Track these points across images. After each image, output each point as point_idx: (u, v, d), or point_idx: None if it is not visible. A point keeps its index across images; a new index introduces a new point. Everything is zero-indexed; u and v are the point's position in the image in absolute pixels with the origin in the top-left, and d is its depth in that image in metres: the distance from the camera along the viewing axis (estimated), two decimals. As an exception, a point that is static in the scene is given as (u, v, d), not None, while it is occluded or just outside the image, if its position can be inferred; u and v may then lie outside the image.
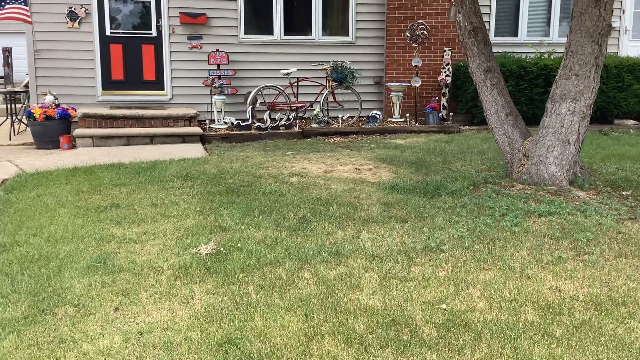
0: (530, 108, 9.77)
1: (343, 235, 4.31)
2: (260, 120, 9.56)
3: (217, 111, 9.65)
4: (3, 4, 8.61)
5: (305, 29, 10.60)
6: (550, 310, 3.17)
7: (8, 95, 9.87)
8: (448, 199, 5.25)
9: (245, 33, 10.24)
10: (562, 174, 5.44)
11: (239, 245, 4.05)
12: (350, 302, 3.25)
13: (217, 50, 9.82)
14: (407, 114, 10.23)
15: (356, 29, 10.71)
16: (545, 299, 3.30)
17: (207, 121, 9.62)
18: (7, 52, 19.50)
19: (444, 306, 3.21)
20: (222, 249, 3.98)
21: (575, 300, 3.29)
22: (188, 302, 3.25)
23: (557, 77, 5.47)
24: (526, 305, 3.22)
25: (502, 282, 3.51)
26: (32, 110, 8.32)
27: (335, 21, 10.83)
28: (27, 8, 8.76)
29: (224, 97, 9.62)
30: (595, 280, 3.53)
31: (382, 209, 4.94)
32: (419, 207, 4.99)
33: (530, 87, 9.78)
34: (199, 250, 3.96)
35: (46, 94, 8.73)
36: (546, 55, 10.32)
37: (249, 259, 3.81)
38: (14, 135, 9.46)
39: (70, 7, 9.36)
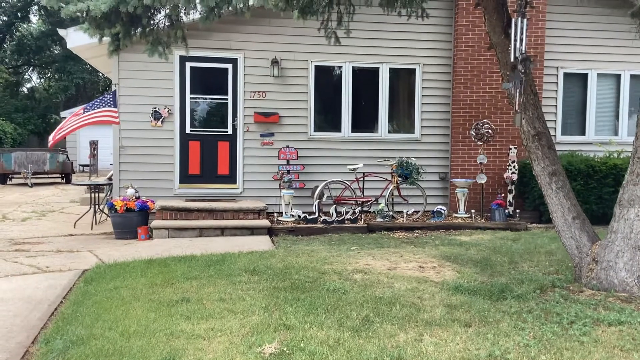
0: (600, 207, 9.59)
1: (405, 338, 4.31)
2: (327, 214, 9.78)
3: (285, 204, 9.97)
4: (90, 107, 9.45)
5: (372, 127, 10.99)
6: None
7: (93, 187, 10.58)
8: (514, 302, 5.17)
9: (315, 130, 10.72)
10: (632, 281, 5.28)
11: (301, 345, 4.12)
12: (411, 412, 3.23)
13: (287, 146, 10.30)
14: (472, 210, 10.23)
15: (422, 126, 11.02)
16: (615, 418, 3.18)
17: (275, 214, 9.95)
18: (94, 144, 21.01)
19: (506, 421, 3.14)
20: (285, 349, 4.06)
21: (647, 421, 3.15)
22: (251, 404, 3.33)
23: (624, 182, 5.44)
24: None
25: (568, 397, 3.41)
26: (114, 203, 8.89)
27: (401, 119, 11.19)
28: (116, 109, 9.58)
29: (292, 191, 9.97)
30: (670, 400, 3.38)
31: (446, 311, 4.92)
32: (484, 310, 4.94)
33: (599, 186, 9.64)
34: (263, 349, 4.06)
35: (128, 187, 9.34)
36: (615, 155, 10.20)
37: (311, 360, 3.87)
38: (96, 224, 10.07)
39: (155, 108, 10.16)
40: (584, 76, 11.46)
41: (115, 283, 5.85)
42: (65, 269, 6.69)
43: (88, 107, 9.61)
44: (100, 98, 9.83)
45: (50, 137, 9.63)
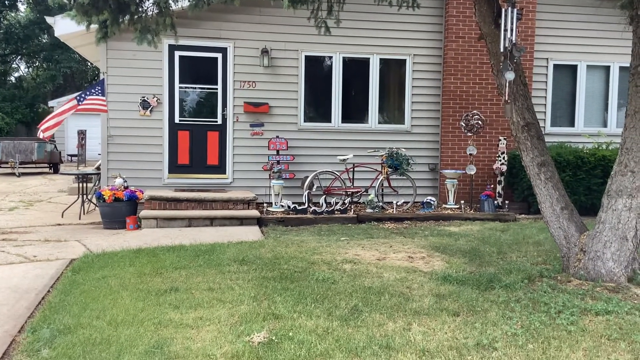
0: (588, 198, 9.66)
1: (394, 327, 4.33)
2: (316, 204, 9.77)
3: (275, 194, 9.95)
4: (84, 95, 9.36)
5: (362, 117, 10.97)
6: (606, 418, 3.07)
7: (81, 176, 10.50)
8: (502, 292, 5.20)
9: (305, 121, 10.69)
10: (620, 271, 5.32)
11: (290, 334, 4.12)
12: (399, 400, 3.24)
13: (277, 136, 10.26)
14: (462, 201, 10.26)
15: (412, 117, 11.01)
16: (601, 406, 3.20)
17: (264, 204, 9.93)
18: (82, 134, 20.87)
19: (494, 409, 3.16)
20: (274, 338, 4.05)
21: (633, 409, 3.18)
22: (239, 392, 3.32)
23: (612, 173, 5.47)
24: (580, 412, 3.14)
25: (555, 385, 3.43)
26: (102, 192, 8.82)
27: (392, 110, 11.18)
28: (104, 98, 9.49)
29: (282, 181, 9.94)
30: (655, 388, 3.41)
31: (434, 301, 4.94)
32: (472, 300, 4.96)
33: (588, 178, 9.70)
34: (251, 338, 4.05)
35: (116, 177, 9.28)
36: (604, 146, 10.26)
37: (299, 349, 3.87)
38: (84, 214, 10.00)
39: (144, 97, 10.08)
40: (574, 68, 11.50)
41: (103, 272, 5.82)
42: (53, 259, 6.65)
43: (79, 98, 9.50)
44: (90, 87, 9.73)
45: (41, 129, 9.49)
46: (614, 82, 11.58)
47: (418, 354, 3.84)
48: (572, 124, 11.54)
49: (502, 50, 5.68)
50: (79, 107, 9.30)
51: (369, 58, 10.86)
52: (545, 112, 11.30)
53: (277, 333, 4.14)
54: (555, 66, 11.41)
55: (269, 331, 4.18)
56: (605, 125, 11.64)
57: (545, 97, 11.35)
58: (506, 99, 5.68)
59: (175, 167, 10.34)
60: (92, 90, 9.52)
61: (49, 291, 5.39)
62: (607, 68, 11.59)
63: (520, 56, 5.84)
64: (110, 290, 5.19)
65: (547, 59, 11.31)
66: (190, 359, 3.72)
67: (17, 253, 6.95)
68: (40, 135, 9.44)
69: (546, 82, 11.36)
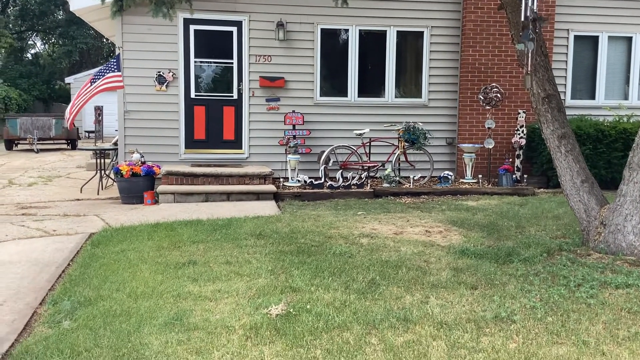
0: (609, 172, 9.53)
1: (411, 300, 4.32)
2: (333, 179, 9.75)
3: (291, 169, 9.93)
4: (97, 76, 9.35)
5: (379, 91, 10.87)
6: (626, 391, 3.05)
7: (98, 152, 10.56)
8: (520, 266, 5.17)
9: (321, 95, 10.61)
10: (641, 244, 5.26)
11: (308, 306, 4.14)
12: (417, 372, 3.24)
13: (293, 111, 10.21)
14: (480, 175, 10.17)
15: (429, 91, 10.88)
16: (621, 378, 3.18)
17: (281, 179, 9.92)
18: (99, 110, 20.92)
19: (512, 381, 3.15)
20: (291, 310, 4.07)
21: (654, 381, 3.15)
22: (258, 364, 3.35)
23: (634, 145, 5.36)
24: (600, 384, 3.12)
25: (575, 357, 3.40)
26: (120, 168, 8.87)
27: (408, 83, 11.05)
28: (120, 74, 9.48)
29: (298, 156, 9.92)
30: (677, 361, 3.38)
31: (452, 274, 4.92)
32: (490, 273, 4.93)
33: (608, 151, 9.55)
34: (269, 310, 4.07)
35: (133, 152, 9.32)
36: (625, 119, 10.08)
37: (317, 321, 3.88)
38: (102, 189, 10.08)
39: (159, 72, 10.06)
40: (595, 39, 11.25)
41: (122, 246, 5.87)
42: (72, 233, 6.72)
43: (95, 78, 9.50)
44: (106, 65, 9.72)
45: (66, 117, 9.59)
46: (636, 53, 11.32)
47: (436, 326, 3.83)
48: (592, 96, 11.33)
49: (523, 19, 5.55)
50: (97, 89, 9.30)
51: (385, 31, 10.71)
52: (565, 84, 11.10)
53: (294, 305, 4.16)
54: (576, 37, 11.16)
55: (287, 304, 4.20)
56: (626, 98, 11.41)
57: (566, 69, 11.14)
58: (527, 70, 5.57)
59: (191, 143, 10.35)
60: (108, 67, 9.49)
61: (69, 264, 5.45)
62: (629, 39, 11.32)
63: (541, 26, 5.71)
64: (130, 264, 5.24)
65: (568, 30, 11.07)
66: (210, 330, 3.75)
67: (37, 227, 7.04)
68: (67, 124, 9.62)
69: (566, 53, 11.13)
